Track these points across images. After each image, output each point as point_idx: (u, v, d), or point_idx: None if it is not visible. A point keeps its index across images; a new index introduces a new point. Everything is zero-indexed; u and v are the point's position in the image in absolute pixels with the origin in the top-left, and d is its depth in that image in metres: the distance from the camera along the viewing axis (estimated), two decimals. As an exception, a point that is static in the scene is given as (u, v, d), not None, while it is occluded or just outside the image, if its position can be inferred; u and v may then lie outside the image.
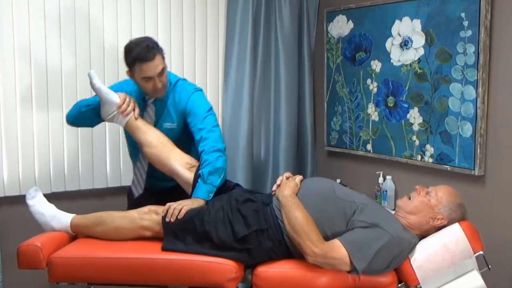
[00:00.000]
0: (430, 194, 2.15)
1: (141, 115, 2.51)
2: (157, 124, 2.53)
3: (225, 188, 2.40)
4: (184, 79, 2.64)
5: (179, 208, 2.18)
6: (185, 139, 2.54)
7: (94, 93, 2.47)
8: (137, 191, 2.59)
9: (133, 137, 2.48)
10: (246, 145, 3.47)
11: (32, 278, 2.64)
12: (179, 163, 2.39)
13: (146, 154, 2.44)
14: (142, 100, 2.53)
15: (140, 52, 2.32)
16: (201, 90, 2.60)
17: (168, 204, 2.21)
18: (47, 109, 2.96)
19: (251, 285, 2.12)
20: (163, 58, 2.41)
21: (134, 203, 2.51)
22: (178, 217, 2.16)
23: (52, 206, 2.33)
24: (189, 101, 2.50)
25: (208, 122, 2.45)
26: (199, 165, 2.37)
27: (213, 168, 2.30)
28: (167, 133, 2.50)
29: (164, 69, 2.41)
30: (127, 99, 2.42)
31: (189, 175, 2.36)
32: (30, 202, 2.32)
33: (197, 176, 2.33)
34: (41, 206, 2.31)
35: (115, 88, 2.56)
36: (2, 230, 2.88)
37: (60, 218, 2.30)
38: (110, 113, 2.42)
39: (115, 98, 2.41)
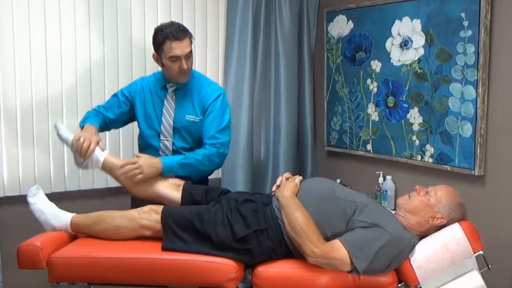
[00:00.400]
0: (429, 193, 2.16)
1: (161, 104, 2.54)
2: (176, 115, 2.53)
3: (219, 193, 2.41)
4: (206, 77, 2.71)
5: (138, 172, 2.32)
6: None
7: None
8: None
9: (111, 176, 2.49)
10: (246, 145, 3.47)
11: (32, 278, 2.64)
12: (166, 186, 2.40)
13: (133, 193, 2.46)
14: (162, 89, 2.56)
15: (172, 31, 2.40)
16: (225, 93, 2.65)
17: (122, 164, 2.35)
18: (47, 109, 2.96)
19: (251, 285, 2.12)
20: (191, 42, 2.47)
21: (138, 202, 2.52)
22: (135, 179, 2.33)
23: (52, 204, 2.34)
24: (216, 103, 2.54)
25: (224, 135, 2.54)
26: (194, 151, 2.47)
27: (194, 163, 2.44)
28: (189, 125, 2.53)
29: (191, 53, 2.47)
30: (80, 139, 2.36)
31: (177, 195, 2.37)
32: (31, 200, 2.32)
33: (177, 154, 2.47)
34: (41, 205, 2.31)
35: (129, 88, 2.61)
36: (2, 230, 2.88)
37: (61, 217, 2.30)
38: (82, 162, 2.42)
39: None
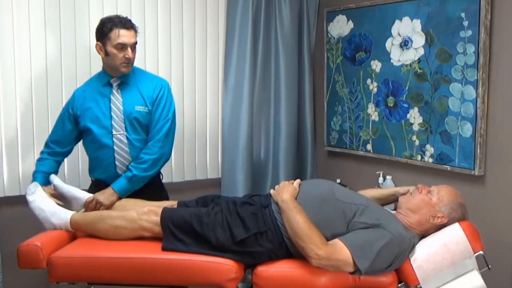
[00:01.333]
0: (431, 193, 2.16)
1: (107, 100, 2.56)
2: (125, 107, 2.55)
3: (211, 198, 2.41)
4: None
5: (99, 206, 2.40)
6: None
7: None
8: None
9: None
10: (246, 145, 3.47)
11: (32, 278, 2.65)
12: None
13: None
14: (105, 85, 2.58)
15: (122, 20, 2.49)
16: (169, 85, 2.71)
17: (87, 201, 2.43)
18: (47, 109, 2.95)
19: (251, 284, 2.12)
20: (136, 36, 2.54)
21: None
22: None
23: (52, 201, 2.34)
24: (161, 93, 2.61)
25: (167, 131, 2.59)
26: (136, 160, 2.53)
27: (144, 174, 2.53)
28: (140, 116, 2.56)
29: (136, 44, 2.54)
30: (92, 204, 2.45)
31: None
32: (30, 197, 2.32)
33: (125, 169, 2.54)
34: (41, 202, 2.31)
35: (67, 104, 2.63)
36: (2, 230, 2.88)
37: (60, 215, 2.30)
38: (79, 210, 2.46)
39: (81, 194, 2.50)
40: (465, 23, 2.70)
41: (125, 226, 2.23)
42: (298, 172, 3.77)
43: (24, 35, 2.86)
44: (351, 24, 3.41)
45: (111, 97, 2.56)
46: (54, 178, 2.55)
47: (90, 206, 2.43)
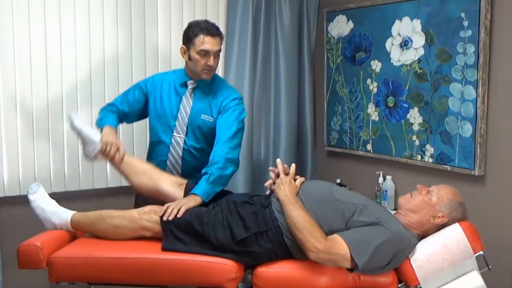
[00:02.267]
0: (431, 193, 2.16)
1: (179, 99, 2.56)
2: (192, 112, 2.55)
3: (220, 193, 2.41)
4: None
5: (178, 207, 2.18)
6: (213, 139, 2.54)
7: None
8: None
9: (117, 170, 2.50)
10: (246, 145, 3.46)
11: (32, 278, 2.65)
12: (168, 184, 2.39)
13: (134, 184, 2.44)
14: (181, 85, 2.58)
15: (208, 26, 2.47)
16: (242, 98, 2.66)
17: (166, 205, 2.22)
18: (47, 109, 2.96)
19: (251, 285, 2.12)
20: (221, 43, 2.52)
21: (143, 201, 2.53)
22: (178, 216, 2.16)
23: (53, 201, 2.34)
24: (231, 103, 2.54)
25: (235, 132, 2.49)
26: (208, 165, 2.38)
27: (221, 173, 2.36)
28: (203, 125, 2.54)
29: (220, 52, 2.51)
30: (108, 146, 2.41)
31: (180, 194, 2.35)
32: (31, 197, 2.32)
33: (200, 176, 2.35)
34: (42, 202, 2.31)
35: (145, 81, 2.64)
36: (2, 230, 2.88)
37: (61, 214, 2.30)
38: (91, 152, 2.44)
39: (96, 137, 2.44)
40: (465, 23, 2.70)
41: (125, 225, 2.23)
42: (298, 172, 3.74)
43: (24, 35, 2.86)
44: (351, 24, 3.41)
45: (183, 98, 2.56)
46: (74, 118, 2.49)
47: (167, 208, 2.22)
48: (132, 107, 2.64)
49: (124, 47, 3.14)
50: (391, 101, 3.17)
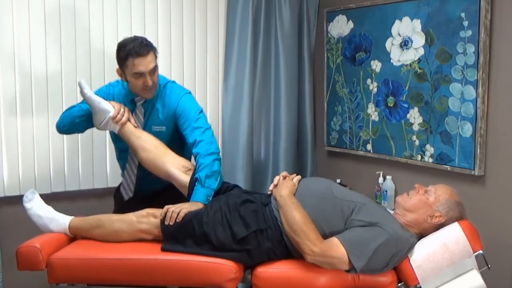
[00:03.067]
0: (428, 192, 2.16)
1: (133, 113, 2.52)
2: (146, 127, 2.52)
3: (224, 189, 2.40)
4: (173, 82, 2.64)
5: (178, 211, 2.17)
6: (174, 144, 2.51)
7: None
8: (127, 195, 2.58)
9: (127, 142, 2.47)
10: (246, 145, 3.47)
11: (32, 279, 2.64)
12: (175, 166, 2.38)
13: (141, 159, 2.43)
14: (130, 102, 2.53)
15: (135, 47, 2.33)
16: (190, 93, 2.60)
17: (166, 207, 2.20)
18: (47, 109, 2.96)
19: (250, 285, 2.12)
20: (156, 56, 2.42)
21: (123, 205, 2.52)
22: (177, 220, 2.15)
23: (49, 208, 2.33)
24: (180, 103, 2.49)
25: (201, 122, 2.45)
26: (195, 169, 2.36)
27: (209, 171, 2.31)
28: (156, 136, 2.49)
29: (156, 67, 2.41)
30: (121, 109, 2.41)
31: (185, 178, 2.36)
32: (27, 205, 2.31)
33: (193, 180, 2.32)
34: (38, 209, 2.30)
35: (101, 91, 2.56)
36: (2, 230, 2.89)
37: (59, 220, 2.30)
38: (102, 121, 2.41)
39: (107, 106, 2.41)
40: (465, 23, 2.70)
41: (124, 229, 2.23)
42: (298, 172, 3.76)
43: (24, 35, 2.86)
44: (351, 24, 3.41)
45: (134, 115, 2.51)
46: (85, 85, 2.39)
47: (168, 212, 2.21)
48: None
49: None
50: (391, 101, 3.17)
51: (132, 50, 2.32)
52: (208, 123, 2.50)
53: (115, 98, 2.55)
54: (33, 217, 2.30)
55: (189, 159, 2.51)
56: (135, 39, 2.39)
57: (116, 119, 2.40)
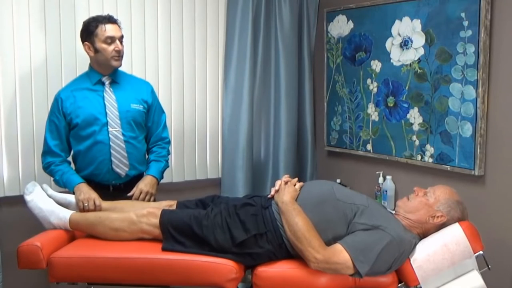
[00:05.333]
0: (428, 194, 2.16)
1: (100, 97, 2.58)
2: (120, 105, 2.59)
3: (211, 197, 2.42)
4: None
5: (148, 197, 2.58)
6: (142, 128, 2.73)
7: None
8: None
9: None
10: (246, 145, 3.47)
11: (32, 278, 2.65)
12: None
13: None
14: (96, 84, 2.61)
15: (105, 16, 2.57)
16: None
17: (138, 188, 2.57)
18: (47, 109, 2.95)
19: (251, 285, 2.12)
20: (121, 31, 2.62)
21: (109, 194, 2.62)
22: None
23: (51, 200, 2.33)
24: (153, 95, 2.77)
25: (166, 131, 2.84)
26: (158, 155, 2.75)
27: (166, 154, 2.79)
28: (136, 115, 2.63)
29: (122, 38, 2.60)
30: (85, 203, 2.41)
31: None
32: (27, 197, 2.31)
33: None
34: (39, 201, 2.30)
35: (54, 108, 2.58)
36: (2, 230, 2.88)
37: (59, 214, 2.30)
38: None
39: (72, 198, 2.46)
40: (465, 23, 2.70)
41: (124, 228, 2.22)
42: (298, 172, 3.77)
43: (24, 35, 2.85)
44: (351, 24, 3.41)
45: (104, 94, 2.59)
46: (47, 189, 2.45)
47: (141, 197, 2.57)
48: (66, 135, 2.60)
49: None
50: (391, 101, 3.17)
51: (103, 18, 2.55)
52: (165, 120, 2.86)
53: (74, 92, 2.59)
54: (34, 209, 2.30)
55: (147, 147, 2.79)
56: (100, 14, 2.60)
57: (85, 211, 2.41)
